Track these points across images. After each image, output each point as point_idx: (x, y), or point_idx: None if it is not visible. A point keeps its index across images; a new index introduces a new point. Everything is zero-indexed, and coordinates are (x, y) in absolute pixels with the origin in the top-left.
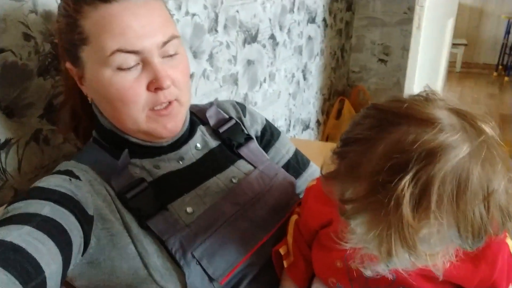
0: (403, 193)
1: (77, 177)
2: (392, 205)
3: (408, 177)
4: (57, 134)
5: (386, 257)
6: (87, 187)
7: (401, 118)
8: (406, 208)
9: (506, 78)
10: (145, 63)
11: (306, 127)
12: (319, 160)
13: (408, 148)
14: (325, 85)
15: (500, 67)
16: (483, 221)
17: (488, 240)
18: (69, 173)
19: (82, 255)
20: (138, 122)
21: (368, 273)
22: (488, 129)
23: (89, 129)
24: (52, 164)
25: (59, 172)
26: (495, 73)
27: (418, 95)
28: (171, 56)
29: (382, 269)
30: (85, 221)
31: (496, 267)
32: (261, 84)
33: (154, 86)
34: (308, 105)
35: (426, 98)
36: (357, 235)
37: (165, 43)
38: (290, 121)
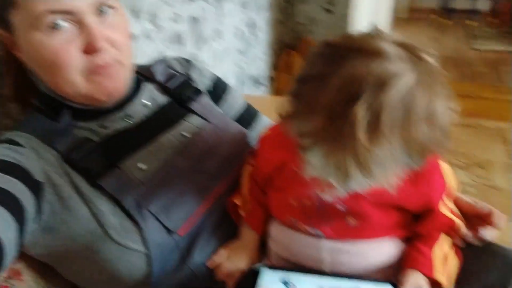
0: (357, 119)
1: (20, 145)
2: (348, 131)
3: (360, 105)
4: None
5: (343, 181)
6: (31, 153)
7: (352, 51)
8: (361, 132)
9: (447, 21)
10: (79, 24)
11: (258, 83)
12: (274, 115)
13: (360, 79)
14: (274, 39)
15: (441, 10)
16: (426, 139)
17: (426, 161)
18: (11, 141)
19: (36, 223)
20: (76, 86)
21: (327, 197)
22: (429, 58)
23: (31, 98)
24: None
25: (0, 142)
26: (437, 17)
27: (363, 32)
28: (108, 15)
29: (340, 193)
30: (34, 187)
31: (432, 186)
32: (208, 42)
33: (90, 48)
34: (258, 60)
35: (373, 33)
36: (316, 166)
37: (100, 2)
38: (241, 78)
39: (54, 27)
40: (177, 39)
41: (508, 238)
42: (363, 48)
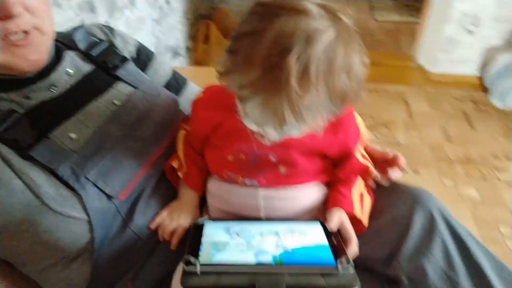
0: (290, 68)
1: None
2: (282, 79)
3: (293, 57)
4: None
5: (279, 126)
6: None
7: (282, 10)
8: (294, 80)
9: None
10: None
11: (176, 54)
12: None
13: (290, 34)
14: (189, 8)
15: None
16: (346, 88)
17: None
18: None
19: None
20: None
21: (266, 142)
22: (346, 18)
23: None
24: None
25: None
26: None
27: None
28: None
29: (276, 137)
30: None
31: (348, 133)
32: (121, 11)
33: (2, 13)
34: (175, 30)
35: None
36: (254, 115)
37: None
38: (158, 49)
39: None
40: (89, 7)
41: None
42: (291, 7)
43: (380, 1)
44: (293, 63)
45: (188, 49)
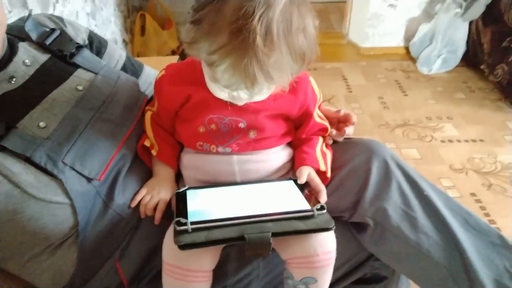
0: (255, 30)
1: None
2: (249, 41)
3: (256, 19)
4: None
5: (251, 85)
6: None
7: None
8: (259, 40)
9: None
10: None
11: None
12: None
13: None
14: (121, 1)
15: None
16: (304, 47)
17: (304, 70)
18: None
19: None
20: None
21: (240, 103)
22: None
23: None
24: None
25: None
26: None
27: None
28: None
29: (247, 99)
30: None
31: (307, 94)
32: (54, 6)
33: None
34: (110, 24)
35: None
36: (224, 79)
37: None
38: None
39: None
40: (21, 2)
41: None
42: None
43: None
44: (257, 25)
45: (126, 42)
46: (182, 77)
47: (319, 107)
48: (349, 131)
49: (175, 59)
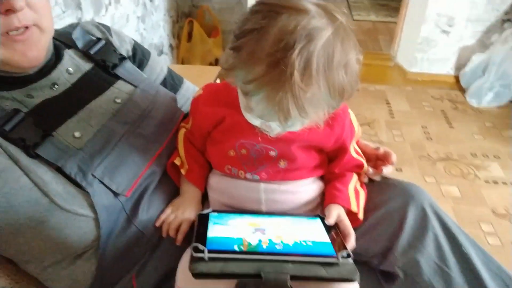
0: (293, 64)
1: None
2: (286, 74)
3: (295, 53)
4: None
5: (284, 120)
6: None
7: (284, 8)
8: (297, 75)
9: None
10: None
11: (160, 52)
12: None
13: (293, 31)
14: (172, 6)
15: None
16: (344, 83)
17: (342, 105)
18: None
19: None
20: None
21: (272, 134)
22: (341, 17)
23: None
24: None
25: None
26: None
27: None
28: None
29: (279, 131)
30: None
31: (344, 128)
32: (107, 8)
33: (5, 7)
34: (159, 28)
35: None
36: (258, 109)
37: None
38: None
39: None
40: (75, 4)
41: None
42: (292, 6)
43: (357, 0)
44: (296, 59)
45: (172, 47)
46: (219, 98)
47: (356, 142)
48: (387, 170)
49: (217, 69)
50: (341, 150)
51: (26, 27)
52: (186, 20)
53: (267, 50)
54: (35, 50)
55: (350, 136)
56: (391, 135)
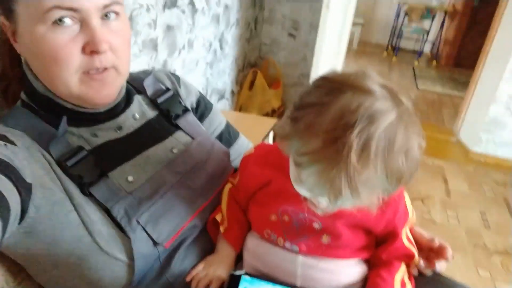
0: (351, 144)
1: (12, 143)
2: (343, 153)
3: (355, 133)
4: None
5: (334, 198)
6: (23, 153)
7: (348, 87)
8: (353, 155)
9: (394, 58)
10: (83, 23)
11: (222, 96)
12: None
13: (355, 111)
14: (240, 55)
15: (389, 47)
16: (403, 169)
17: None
18: (3, 138)
19: (19, 224)
20: (70, 85)
21: (319, 211)
22: (407, 101)
23: (18, 92)
24: None
25: None
26: (385, 53)
27: (354, 71)
28: (111, 20)
29: (327, 208)
30: (23, 188)
31: (397, 213)
32: (180, 51)
33: (90, 48)
34: (224, 75)
35: (363, 74)
36: (309, 183)
37: (106, 6)
38: (207, 90)
39: (59, 23)
40: (152, 45)
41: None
42: (357, 85)
43: (424, 70)
44: (354, 139)
45: (233, 93)
46: (269, 160)
47: (410, 229)
48: (440, 267)
49: (272, 121)
50: (391, 235)
51: (105, 68)
52: (251, 69)
53: (325, 125)
54: (109, 89)
55: (402, 221)
56: (446, 216)
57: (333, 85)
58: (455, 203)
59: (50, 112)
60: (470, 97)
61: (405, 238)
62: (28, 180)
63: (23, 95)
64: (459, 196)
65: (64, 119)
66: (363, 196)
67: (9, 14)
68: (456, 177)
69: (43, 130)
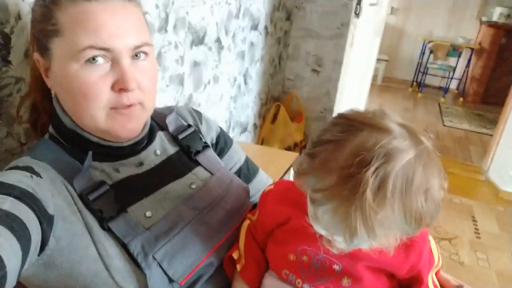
0: (367, 182)
1: (38, 174)
2: (358, 191)
3: (371, 170)
4: (0, 127)
5: (349, 237)
6: (48, 185)
7: (365, 125)
8: (369, 194)
9: (419, 95)
10: (114, 62)
11: (244, 129)
12: (255, 162)
13: (371, 149)
14: (263, 90)
15: (414, 83)
16: (423, 210)
17: (419, 232)
18: (29, 169)
19: (38, 255)
20: (97, 120)
21: (334, 250)
22: (426, 140)
23: (47, 125)
24: None
25: (18, 168)
26: (410, 89)
27: (372, 111)
28: (140, 60)
29: (344, 247)
30: (45, 219)
31: (421, 257)
32: (205, 86)
33: (119, 86)
34: (247, 108)
35: (381, 113)
36: (324, 220)
37: (137, 47)
38: (230, 123)
39: (91, 61)
40: (179, 80)
41: None
42: (374, 124)
43: (450, 107)
44: (370, 176)
45: (256, 126)
46: (288, 197)
47: (436, 274)
48: None
49: (293, 156)
50: (415, 280)
51: (132, 104)
52: (274, 103)
53: (341, 162)
54: (134, 124)
55: (428, 267)
56: (475, 258)
57: (350, 122)
58: (485, 245)
59: (75, 145)
60: (499, 135)
61: (431, 284)
62: (51, 211)
63: (51, 129)
64: (489, 237)
65: (90, 154)
66: (379, 237)
67: (44, 51)
68: (485, 217)
69: (68, 164)
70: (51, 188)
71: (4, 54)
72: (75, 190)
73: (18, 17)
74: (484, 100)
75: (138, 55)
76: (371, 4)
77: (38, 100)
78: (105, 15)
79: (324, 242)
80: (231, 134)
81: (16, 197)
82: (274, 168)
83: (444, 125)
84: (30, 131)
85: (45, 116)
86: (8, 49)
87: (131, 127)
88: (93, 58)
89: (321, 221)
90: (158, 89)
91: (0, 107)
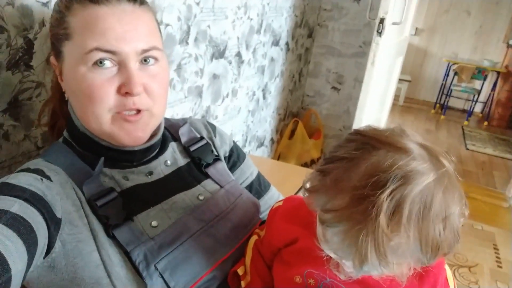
0: (381, 205)
1: (48, 178)
2: (371, 214)
3: (386, 193)
4: (18, 130)
5: (359, 262)
6: (57, 189)
7: (382, 144)
8: (383, 218)
9: (442, 117)
10: (121, 66)
11: (261, 144)
12: (270, 177)
13: (387, 169)
14: (282, 105)
15: (437, 105)
16: (440, 238)
17: (436, 261)
18: (40, 172)
19: (43, 258)
20: (102, 122)
21: (341, 277)
22: (448, 163)
23: (63, 129)
24: (9, 161)
25: (29, 170)
26: (432, 111)
27: (390, 128)
28: (149, 65)
29: (353, 273)
30: (52, 223)
31: (436, 286)
32: (223, 99)
33: (125, 90)
34: (265, 123)
35: (399, 132)
36: (333, 243)
37: (145, 51)
38: (246, 137)
39: (99, 64)
40: (197, 92)
41: None
42: (392, 142)
43: (474, 131)
44: (385, 199)
45: (273, 141)
46: (297, 215)
47: None
48: None
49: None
50: None
51: (139, 110)
52: (293, 119)
53: (354, 182)
54: (140, 132)
55: None
56: (494, 286)
57: (366, 140)
58: (507, 275)
59: (87, 150)
60: None
61: None
62: (59, 215)
63: (65, 132)
64: (511, 266)
65: (102, 160)
66: (392, 264)
67: (59, 55)
68: (508, 245)
69: (79, 168)
70: (60, 191)
71: (26, 59)
72: (84, 194)
73: (43, 23)
74: (509, 124)
75: (147, 59)
76: (394, 23)
77: (57, 104)
78: (113, 19)
79: (331, 266)
80: (247, 148)
81: (25, 200)
82: (289, 184)
83: (467, 149)
84: (47, 134)
85: (63, 120)
86: (30, 54)
87: (137, 135)
88: (101, 62)
89: (330, 243)
90: (176, 100)
91: (19, 110)
